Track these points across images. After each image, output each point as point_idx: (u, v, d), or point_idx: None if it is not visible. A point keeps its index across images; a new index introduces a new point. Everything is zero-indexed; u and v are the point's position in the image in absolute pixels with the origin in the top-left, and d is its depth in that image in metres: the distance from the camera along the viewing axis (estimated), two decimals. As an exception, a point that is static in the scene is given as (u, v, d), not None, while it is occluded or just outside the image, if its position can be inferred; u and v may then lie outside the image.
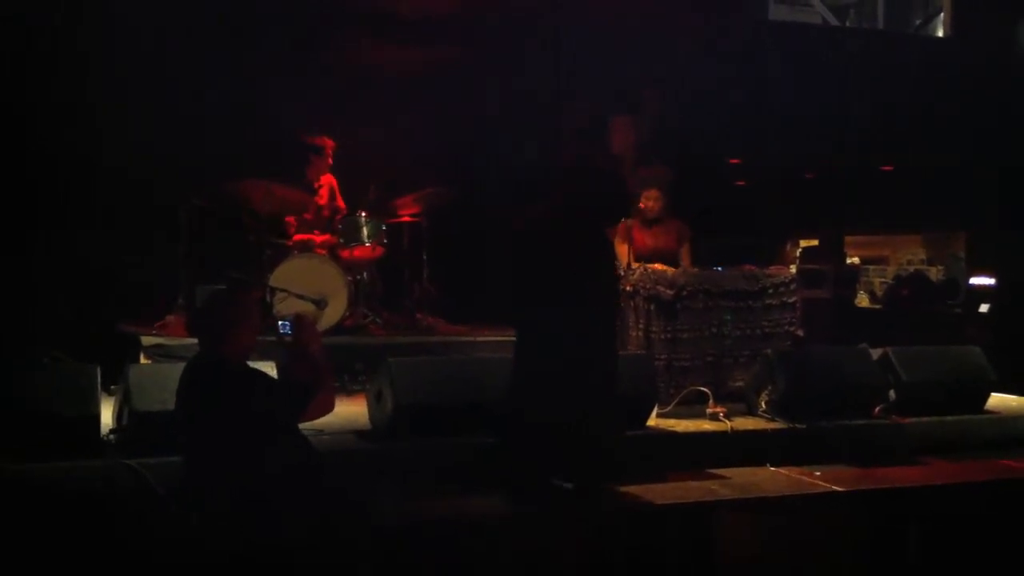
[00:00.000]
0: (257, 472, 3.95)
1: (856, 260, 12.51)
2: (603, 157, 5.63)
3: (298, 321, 4.25)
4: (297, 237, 7.86)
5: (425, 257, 8.27)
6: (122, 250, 7.54)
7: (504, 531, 4.73)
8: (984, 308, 10.22)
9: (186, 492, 4.20)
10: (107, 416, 5.22)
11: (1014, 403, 7.05)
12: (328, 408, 4.22)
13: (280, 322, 4.32)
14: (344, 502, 4.19)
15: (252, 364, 4.33)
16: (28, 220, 7.42)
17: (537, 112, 8.39)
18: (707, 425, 6.10)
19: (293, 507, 3.95)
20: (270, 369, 4.88)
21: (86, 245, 7.48)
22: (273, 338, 4.50)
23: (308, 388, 4.11)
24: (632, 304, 6.65)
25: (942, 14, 12.25)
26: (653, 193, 7.28)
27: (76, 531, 4.41)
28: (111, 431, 5.18)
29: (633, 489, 5.20)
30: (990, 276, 10.59)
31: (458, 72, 8.49)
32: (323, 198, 8.12)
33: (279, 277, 7.20)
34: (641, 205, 7.24)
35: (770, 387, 6.30)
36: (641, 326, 6.63)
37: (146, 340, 6.78)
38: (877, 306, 11.58)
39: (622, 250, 7.05)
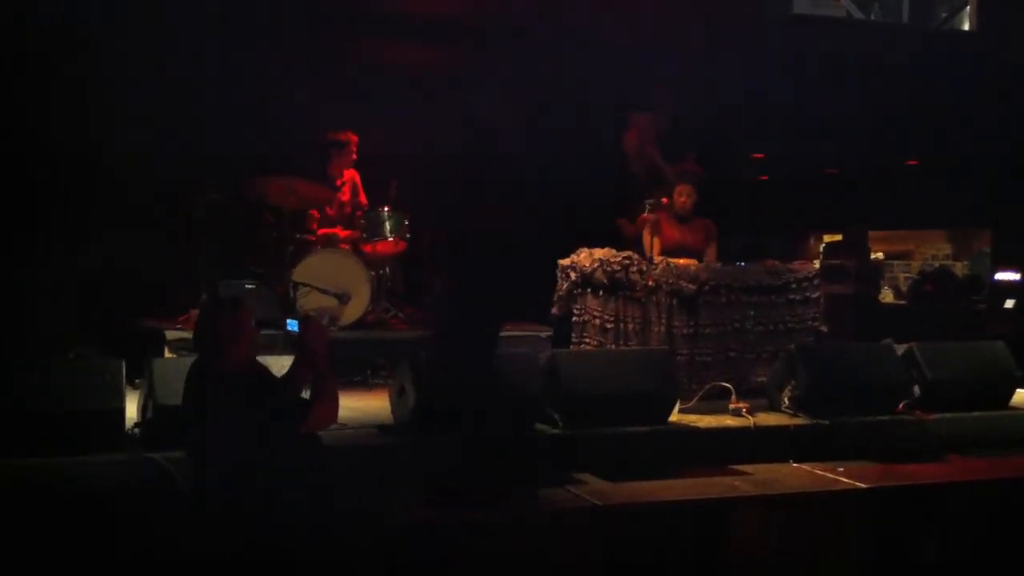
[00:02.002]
0: (258, 475, 3.96)
1: (880, 255, 12.44)
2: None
3: (305, 322, 4.26)
4: (320, 232, 7.89)
5: (447, 252, 8.28)
6: (145, 246, 7.58)
7: (519, 529, 4.73)
8: (1009, 304, 10.14)
9: (192, 491, 4.23)
10: (131, 410, 5.25)
11: (1040, 399, 7.01)
12: (330, 420, 4.21)
13: (288, 320, 4.33)
14: (354, 502, 4.20)
15: (273, 358, 4.35)
16: (49, 218, 7.47)
17: (551, 110, 8.39)
18: (729, 421, 6.08)
19: (296, 508, 3.97)
20: (287, 363, 4.89)
21: (108, 242, 7.51)
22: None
23: (308, 402, 4.12)
24: (654, 299, 6.64)
25: (968, 8, 12.15)
26: (687, 189, 7.30)
27: (101, 525, 4.44)
28: (135, 425, 5.21)
29: (654, 485, 5.20)
30: (1015, 271, 10.51)
31: (470, 71, 8.49)
32: (346, 194, 8.14)
33: (302, 272, 7.23)
34: (664, 200, 7.24)
35: (793, 383, 6.28)
36: (663, 321, 6.62)
37: (170, 334, 6.82)
38: (901, 301, 11.52)
39: (648, 242, 7.04)
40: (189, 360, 5.31)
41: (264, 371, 4.25)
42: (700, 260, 7.13)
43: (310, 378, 4.23)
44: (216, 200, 7.59)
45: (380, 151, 8.25)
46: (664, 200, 7.30)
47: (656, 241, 7.04)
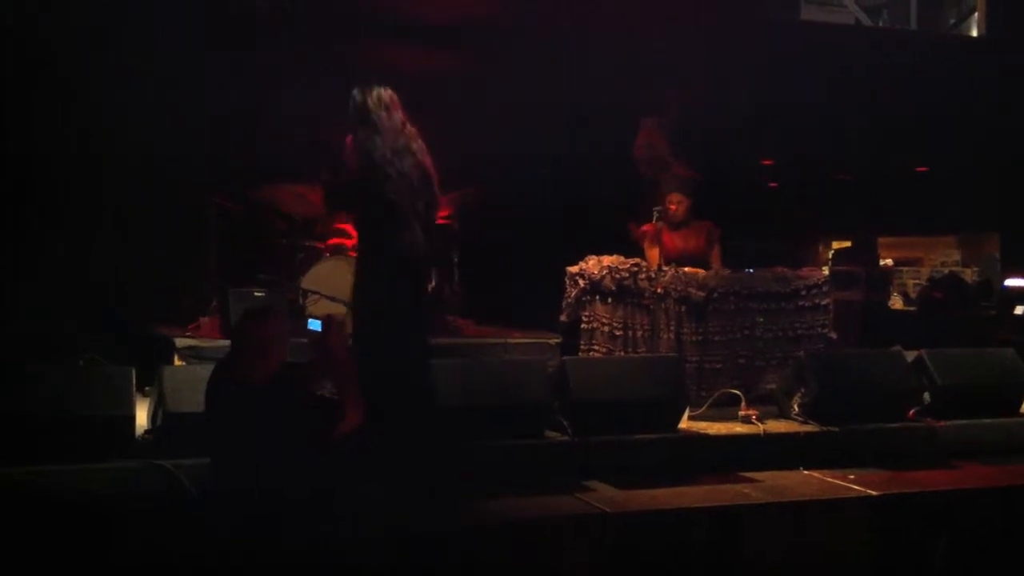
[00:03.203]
0: (283, 480, 3.96)
1: (889, 262, 12.40)
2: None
3: (328, 322, 4.27)
4: (330, 240, 7.90)
5: (456, 259, 8.29)
6: (155, 253, 7.61)
7: (527, 535, 4.73)
8: (1019, 310, 10.10)
9: (212, 496, 4.22)
10: (141, 417, 5.26)
11: (1050, 406, 6.97)
12: (360, 422, 4.21)
13: (309, 319, 4.34)
14: (364, 507, 4.20)
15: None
16: (60, 224, 7.49)
17: (561, 116, 8.40)
18: (739, 428, 6.07)
19: (313, 513, 3.97)
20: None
21: (119, 248, 7.54)
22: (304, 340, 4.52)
23: (340, 406, 4.12)
24: (663, 306, 6.64)
25: (976, 14, 12.14)
26: (675, 197, 7.29)
27: (111, 531, 4.45)
28: (145, 432, 5.22)
29: (664, 492, 5.20)
30: (1025, 278, 10.47)
31: (481, 76, 8.50)
32: (355, 201, 8.13)
33: (311, 279, 7.25)
34: (671, 207, 7.24)
35: (802, 390, 6.27)
36: (672, 328, 6.62)
37: (179, 342, 6.84)
38: (911, 308, 11.47)
39: (652, 253, 7.04)
40: (199, 368, 5.34)
41: (294, 377, 4.25)
42: (703, 264, 7.12)
43: (322, 380, 4.22)
44: (228, 207, 7.61)
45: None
46: (672, 207, 7.28)
47: (657, 252, 7.04)
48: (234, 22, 7.58)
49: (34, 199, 7.37)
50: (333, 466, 4.18)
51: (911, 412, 6.38)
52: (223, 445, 4.12)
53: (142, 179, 7.58)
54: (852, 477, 5.57)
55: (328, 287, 7.20)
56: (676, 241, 7.24)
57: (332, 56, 7.93)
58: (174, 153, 7.54)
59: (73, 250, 7.48)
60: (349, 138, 5.48)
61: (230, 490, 4.01)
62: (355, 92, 5.54)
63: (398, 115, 5.51)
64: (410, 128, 5.57)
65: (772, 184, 11.27)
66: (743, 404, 6.26)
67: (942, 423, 6.30)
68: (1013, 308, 10.20)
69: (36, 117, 7.33)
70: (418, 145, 5.54)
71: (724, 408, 6.33)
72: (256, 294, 7.19)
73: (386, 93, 5.54)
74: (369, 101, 5.47)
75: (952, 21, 12.91)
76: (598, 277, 6.69)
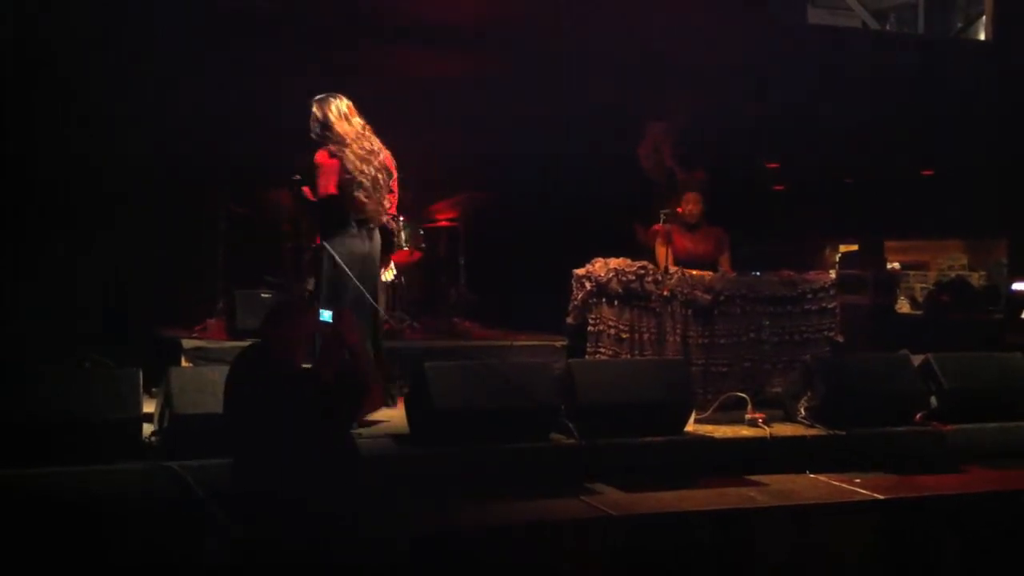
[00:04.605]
0: (305, 475, 3.97)
1: (896, 265, 12.40)
2: None
3: (339, 313, 4.29)
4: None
5: (462, 262, 8.30)
6: (162, 255, 7.62)
7: (532, 538, 4.73)
8: (1026, 314, 10.08)
9: (234, 499, 4.22)
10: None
11: (1058, 410, 6.95)
12: (379, 403, 4.24)
13: (320, 311, 4.36)
14: (385, 508, 4.21)
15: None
16: (68, 226, 7.50)
17: (567, 119, 8.40)
18: (745, 431, 6.06)
19: (338, 512, 3.97)
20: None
21: (126, 249, 7.55)
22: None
23: (363, 386, 4.15)
24: (669, 309, 6.64)
25: (983, 18, 12.13)
26: (695, 196, 7.29)
27: (118, 533, 4.45)
28: (152, 434, 5.22)
29: (669, 495, 5.19)
30: (1032, 282, 10.45)
31: (488, 78, 8.51)
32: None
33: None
34: (680, 210, 7.24)
35: (809, 393, 6.26)
36: (678, 331, 6.62)
37: (187, 343, 6.84)
38: (917, 312, 11.46)
39: (661, 251, 7.03)
40: (206, 369, 5.34)
41: (313, 370, 4.28)
42: (713, 269, 7.12)
43: (336, 368, 4.23)
44: (236, 210, 7.63)
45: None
46: (680, 210, 7.28)
47: (668, 252, 7.04)
48: (234, 22, 7.59)
49: (34, 199, 7.37)
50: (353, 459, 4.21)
51: (918, 416, 6.37)
52: (245, 441, 4.12)
53: (144, 180, 7.59)
54: (859, 481, 5.56)
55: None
56: (686, 243, 7.25)
57: (333, 58, 7.95)
58: (177, 154, 7.55)
59: (73, 251, 7.48)
60: (323, 153, 5.58)
61: (252, 491, 4.01)
62: (314, 107, 5.66)
63: (357, 120, 5.71)
64: (367, 128, 5.76)
65: (778, 187, 11.26)
66: (749, 407, 6.25)
67: (949, 427, 6.29)
68: (1020, 312, 10.18)
69: (36, 117, 7.33)
70: (378, 143, 5.76)
71: (730, 411, 6.32)
72: (263, 296, 7.21)
73: (343, 103, 5.72)
74: (329, 115, 5.62)
75: (959, 25, 12.90)
76: (604, 280, 6.69)
